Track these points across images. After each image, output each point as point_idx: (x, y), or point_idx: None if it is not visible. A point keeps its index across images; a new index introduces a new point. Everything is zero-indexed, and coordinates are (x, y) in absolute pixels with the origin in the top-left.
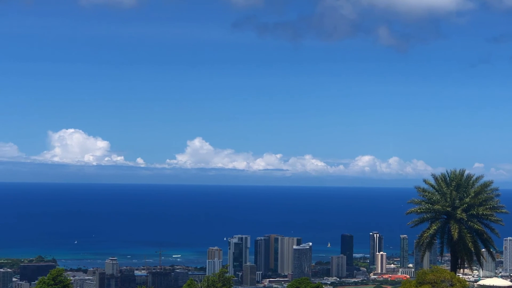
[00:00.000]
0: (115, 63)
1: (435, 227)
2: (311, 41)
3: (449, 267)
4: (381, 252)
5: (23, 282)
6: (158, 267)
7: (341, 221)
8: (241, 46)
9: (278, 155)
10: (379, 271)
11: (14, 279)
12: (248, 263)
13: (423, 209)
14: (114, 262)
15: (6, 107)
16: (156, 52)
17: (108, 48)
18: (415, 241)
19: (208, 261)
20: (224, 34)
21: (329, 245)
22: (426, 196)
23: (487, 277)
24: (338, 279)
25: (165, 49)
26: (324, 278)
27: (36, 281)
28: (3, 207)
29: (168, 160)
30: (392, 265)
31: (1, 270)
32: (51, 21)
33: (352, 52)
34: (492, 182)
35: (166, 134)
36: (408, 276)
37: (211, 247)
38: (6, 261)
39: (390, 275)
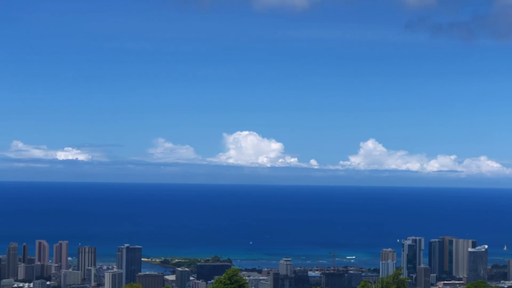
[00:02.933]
0: (287, 66)
1: None
2: (485, 40)
3: None
4: None
5: (200, 281)
6: (332, 268)
7: None
8: (414, 46)
9: (452, 157)
10: None
11: (191, 278)
12: (422, 265)
13: None
14: (288, 262)
15: (183, 110)
16: (328, 54)
17: (281, 51)
18: None
19: (382, 263)
20: (397, 35)
21: (505, 247)
22: None
23: None
24: None
25: (336, 50)
26: (501, 281)
27: (213, 280)
28: (182, 208)
29: (341, 162)
30: None
31: (179, 269)
32: (226, 25)
33: None
34: None
35: (339, 136)
36: None
37: (384, 249)
38: (184, 260)
39: None
